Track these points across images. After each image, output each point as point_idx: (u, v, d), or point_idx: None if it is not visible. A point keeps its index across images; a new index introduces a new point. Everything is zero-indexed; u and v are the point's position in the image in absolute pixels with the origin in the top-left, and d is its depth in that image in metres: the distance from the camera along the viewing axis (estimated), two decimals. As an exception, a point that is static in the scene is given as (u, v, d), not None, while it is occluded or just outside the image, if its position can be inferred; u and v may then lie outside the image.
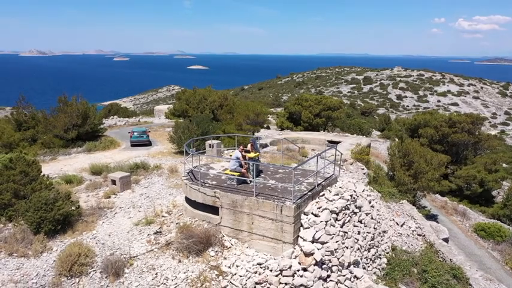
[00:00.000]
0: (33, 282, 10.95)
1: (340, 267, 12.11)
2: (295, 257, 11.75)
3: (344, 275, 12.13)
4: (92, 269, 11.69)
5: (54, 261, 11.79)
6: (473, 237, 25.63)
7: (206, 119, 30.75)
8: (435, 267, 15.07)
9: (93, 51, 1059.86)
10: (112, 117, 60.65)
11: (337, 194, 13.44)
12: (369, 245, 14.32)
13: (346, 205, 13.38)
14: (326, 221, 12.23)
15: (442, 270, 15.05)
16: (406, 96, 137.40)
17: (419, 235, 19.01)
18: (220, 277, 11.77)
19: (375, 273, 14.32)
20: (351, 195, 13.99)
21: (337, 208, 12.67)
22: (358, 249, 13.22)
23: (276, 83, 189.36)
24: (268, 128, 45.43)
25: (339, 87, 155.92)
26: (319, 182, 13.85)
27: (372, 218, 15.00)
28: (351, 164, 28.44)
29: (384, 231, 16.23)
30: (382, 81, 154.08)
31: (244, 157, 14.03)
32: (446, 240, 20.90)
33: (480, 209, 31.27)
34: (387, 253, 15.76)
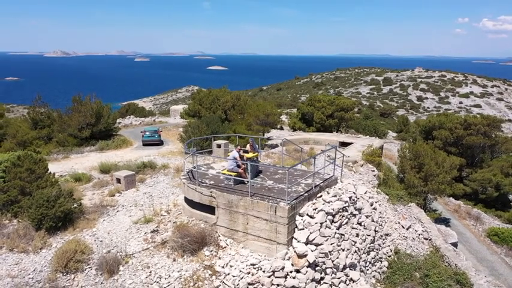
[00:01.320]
0: (29, 278, 11.19)
1: (335, 270, 11.96)
2: (289, 258, 11.67)
3: (339, 278, 11.97)
4: (88, 266, 11.88)
5: (52, 257, 12.02)
6: (486, 242, 24.97)
7: (216, 119, 30.88)
8: (438, 272, 14.72)
9: (115, 51, 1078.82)
10: (128, 116, 61.54)
11: (335, 196, 13.28)
12: (369, 248, 14.10)
13: (344, 207, 13.21)
14: (321, 223, 12.10)
15: (445, 275, 14.69)
16: (427, 98, 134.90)
17: (426, 239, 18.62)
18: (214, 277, 11.78)
19: (374, 276, 14.10)
20: (350, 197, 13.80)
21: (333, 210, 12.51)
22: (356, 251, 13.02)
23: (294, 83, 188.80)
24: (281, 128, 45.31)
25: (358, 88, 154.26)
26: (316, 183, 13.71)
27: (372, 221, 14.76)
28: (361, 165, 28.09)
29: (387, 234, 15.95)
30: (402, 82, 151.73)
31: (242, 157, 14.00)
32: (454, 244, 20.44)
33: (496, 213, 30.43)
34: (389, 256, 15.49)
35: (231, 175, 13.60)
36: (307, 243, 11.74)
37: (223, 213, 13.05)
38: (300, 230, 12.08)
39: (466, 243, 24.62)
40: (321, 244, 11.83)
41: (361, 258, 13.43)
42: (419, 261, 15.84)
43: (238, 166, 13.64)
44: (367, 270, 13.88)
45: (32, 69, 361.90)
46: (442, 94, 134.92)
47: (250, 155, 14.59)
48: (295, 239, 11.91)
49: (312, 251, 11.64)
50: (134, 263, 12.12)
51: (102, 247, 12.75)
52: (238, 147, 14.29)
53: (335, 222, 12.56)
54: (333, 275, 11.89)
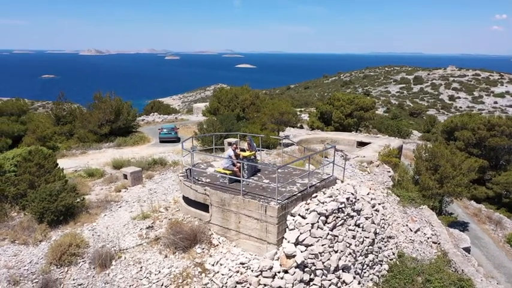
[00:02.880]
0: (25, 269, 11.58)
1: (326, 271, 11.75)
2: (278, 258, 11.55)
3: (329, 280, 11.75)
4: (82, 260, 12.17)
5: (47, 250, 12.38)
6: (506, 248, 23.96)
7: (230, 117, 30.96)
8: (440, 277, 14.22)
9: (146, 50, 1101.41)
10: (152, 114, 62.71)
11: (331, 196, 13.04)
12: (367, 250, 13.77)
13: (340, 208, 12.95)
14: (312, 224, 11.91)
15: (447, 280, 14.16)
16: (459, 97, 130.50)
17: (435, 243, 18.02)
18: (203, 274, 11.83)
19: (372, 279, 13.77)
20: (348, 198, 13.51)
21: (326, 211, 12.29)
22: (350, 253, 12.74)
23: (322, 82, 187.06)
24: (301, 127, 44.99)
25: (387, 87, 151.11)
26: (312, 184, 13.49)
27: (373, 223, 14.41)
28: (377, 166, 27.53)
29: (389, 237, 15.54)
30: (433, 81, 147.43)
31: (238, 155, 13.96)
32: (467, 249, 19.70)
33: (520, 218, 29.11)
34: (391, 260, 15.08)
35: (226, 173, 13.59)
36: (296, 243, 11.59)
37: (216, 211, 13.06)
38: (291, 230, 11.94)
39: (484, 248, 23.69)
40: (311, 245, 11.65)
41: (356, 260, 13.14)
42: (424, 265, 15.35)
43: (234, 164, 13.61)
44: (364, 273, 13.56)
45: (67, 67, 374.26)
46: (476, 94, 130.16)
47: (247, 153, 14.52)
48: (286, 239, 11.78)
49: (302, 251, 11.48)
50: (127, 258, 12.33)
51: (98, 241, 13.03)
52: (234, 145, 14.26)
53: (328, 223, 12.32)
54: (323, 277, 11.69)
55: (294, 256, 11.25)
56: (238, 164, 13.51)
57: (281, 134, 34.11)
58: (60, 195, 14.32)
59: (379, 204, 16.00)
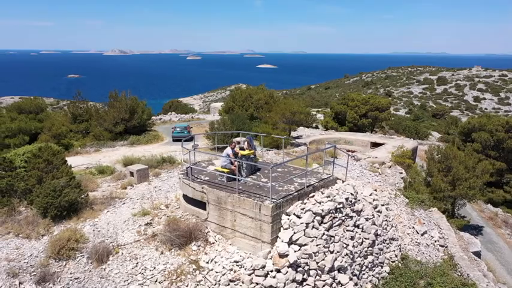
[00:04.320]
0: (24, 262, 11.87)
1: (320, 272, 11.62)
2: (271, 257, 11.50)
3: (324, 280, 11.62)
4: (81, 254, 12.39)
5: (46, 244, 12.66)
6: (521, 253, 23.19)
7: (241, 117, 31.02)
8: (442, 281, 13.86)
9: (168, 50, 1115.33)
10: (170, 113, 63.44)
11: (328, 196, 12.89)
12: (366, 252, 13.56)
13: (338, 208, 12.79)
14: (307, 223, 11.80)
15: (450, 284, 13.79)
16: (484, 98, 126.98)
17: (442, 246, 17.61)
18: (197, 272, 11.88)
19: (370, 281, 13.54)
20: (347, 199, 13.33)
21: (322, 210, 12.15)
22: (347, 254, 12.56)
23: (343, 82, 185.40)
24: (316, 127, 44.68)
25: (409, 88, 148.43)
26: (311, 183, 13.38)
27: (374, 224, 14.17)
28: (389, 167, 27.12)
29: (392, 239, 15.25)
30: (458, 81, 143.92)
31: (236, 154, 13.96)
32: (477, 253, 19.16)
33: (539, 223, 28.09)
34: (393, 262, 14.80)
35: (223, 172, 13.61)
36: (290, 243, 11.51)
37: (213, 209, 13.11)
38: (285, 229, 11.86)
39: (498, 253, 23.02)
40: (305, 245, 11.55)
41: (354, 261, 12.95)
42: (428, 268, 15.00)
43: (232, 163, 13.63)
44: (363, 274, 13.36)
45: (92, 67, 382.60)
46: (502, 95, 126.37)
47: (246, 152, 14.50)
48: (280, 238, 11.71)
49: (295, 251, 11.40)
50: (124, 254, 12.49)
51: (98, 237, 13.25)
52: (233, 143, 14.26)
53: (324, 223, 12.19)
54: (317, 277, 11.57)
55: (286, 255, 11.19)
56: (237, 163, 13.52)
57: (293, 133, 33.97)
58: (63, 191, 14.63)
59: (383, 205, 15.73)
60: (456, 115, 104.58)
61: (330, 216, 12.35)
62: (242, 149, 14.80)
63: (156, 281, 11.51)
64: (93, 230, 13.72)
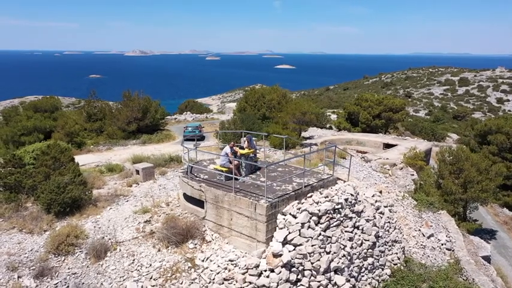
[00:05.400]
0: (25, 256, 12.13)
1: (315, 273, 11.48)
2: (266, 256, 11.43)
3: (319, 281, 11.48)
4: (80, 250, 12.58)
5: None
6: (536, 259, 22.47)
7: (251, 116, 31.02)
8: (445, 285, 13.51)
9: (188, 50, 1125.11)
10: (185, 113, 63.93)
11: (327, 197, 12.74)
12: (365, 254, 13.34)
13: (336, 208, 12.62)
14: (302, 223, 11.68)
15: (452, 289, 13.44)
16: (508, 100, 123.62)
17: (448, 249, 17.20)
18: (192, 270, 11.91)
19: (370, 283, 13.32)
20: (346, 199, 13.15)
21: (319, 211, 12.01)
22: (345, 255, 12.38)
23: (362, 83, 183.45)
24: (330, 128, 44.34)
25: (430, 89, 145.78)
26: (309, 183, 13.25)
27: (375, 225, 13.93)
28: (401, 168, 26.70)
29: (395, 241, 14.97)
30: (480, 82, 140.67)
31: (235, 153, 13.94)
32: (486, 258, 18.68)
33: (557, 228, 27.18)
34: (395, 264, 14.53)
35: (222, 171, 13.61)
36: (285, 242, 11.42)
37: (211, 207, 13.13)
38: (281, 229, 11.78)
39: (511, 258, 22.35)
40: (300, 245, 11.44)
41: (352, 263, 12.75)
42: (432, 272, 14.66)
43: (231, 162, 13.62)
44: (362, 276, 13.15)
45: (113, 67, 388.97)
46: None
47: (245, 151, 14.47)
48: (275, 237, 11.63)
49: (290, 251, 11.30)
50: (121, 250, 12.63)
51: (98, 233, 13.43)
52: (232, 142, 14.24)
53: (321, 224, 12.04)
54: (312, 278, 11.44)
55: (280, 255, 11.10)
56: (235, 162, 13.50)
57: (304, 134, 33.78)
58: (67, 187, 14.89)
59: (386, 207, 15.46)
60: (478, 117, 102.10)
61: (327, 217, 12.19)
62: (242, 148, 14.77)
63: (151, 278, 11.59)
64: (94, 227, 13.91)
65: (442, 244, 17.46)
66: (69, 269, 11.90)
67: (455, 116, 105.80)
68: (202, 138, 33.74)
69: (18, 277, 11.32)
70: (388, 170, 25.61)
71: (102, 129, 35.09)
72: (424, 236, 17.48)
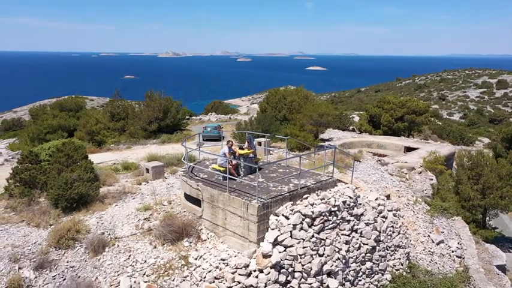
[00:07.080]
0: (27, 249, 12.63)
1: (305, 275, 11.36)
2: (256, 257, 11.41)
3: (310, 284, 11.35)
4: (80, 244, 12.98)
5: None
6: (560, 271, 21.23)
7: (268, 117, 31.03)
8: (446, 294, 13.06)
9: (219, 52, 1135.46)
10: (210, 113, 64.68)
11: (323, 199, 12.58)
12: (363, 258, 13.08)
13: (332, 211, 12.44)
14: (294, 224, 11.60)
15: (455, 298, 12.97)
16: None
17: (458, 257, 16.60)
18: (185, 267, 12.05)
19: (367, 288, 13.04)
20: (344, 202, 12.94)
21: (313, 213, 11.88)
22: (339, 259, 12.17)
23: (395, 85, 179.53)
24: (353, 130, 43.68)
25: (465, 91, 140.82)
26: (306, 185, 13.13)
27: (375, 229, 13.63)
28: (419, 173, 25.97)
29: (398, 246, 14.59)
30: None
31: (234, 153, 14.00)
32: (501, 267, 17.84)
33: None
34: (396, 270, 14.16)
35: (220, 170, 13.70)
36: (276, 243, 11.37)
37: (207, 206, 13.25)
38: (272, 229, 11.74)
39: (532, 269, 21.24)
40: (291, 246, 11.35)
41: (348, 267, 12.53)
42: (436, 279, 14.19)
43: (229, 162, 13.67)
44: (359, 281, 12.90)
45: (146, 68, 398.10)
46: None
47: (244, 151, 14.50)
48: (265, 238, 11.60)
49: (280, 252, 11.24)
50: (119, 246, 12.94)
51: (100, 229, 13.81)
52: (230, 142, 14.30)
53: (315, 226, 11.90)
54: (302, 280, 11.32)
55: (270, 256, 11.06)
56: (234, 162, 13.56)
57: (323, 136, 33.42)
58: (74, 184, 15.40)
59: (390, 211, 15.09)
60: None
61: (321, 219, 12.04)
62: (241, 148, 14.81)
63: (144, 274, 11.82)
64: (97, 222, 14.31)
65: (453, 251, 16.89)
66: (67, 262, 12.30)
67: (491, 120, 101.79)
68: (220, 138, 34.03)
69: (19, 268, 11.81)
70: (406, 174, 24.97)
71: (125, 128, 36.04)
72: (433, 242, 16.96)
